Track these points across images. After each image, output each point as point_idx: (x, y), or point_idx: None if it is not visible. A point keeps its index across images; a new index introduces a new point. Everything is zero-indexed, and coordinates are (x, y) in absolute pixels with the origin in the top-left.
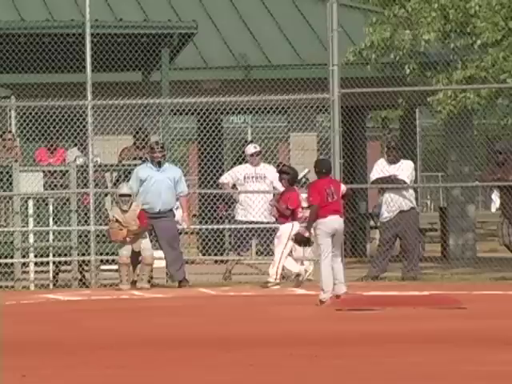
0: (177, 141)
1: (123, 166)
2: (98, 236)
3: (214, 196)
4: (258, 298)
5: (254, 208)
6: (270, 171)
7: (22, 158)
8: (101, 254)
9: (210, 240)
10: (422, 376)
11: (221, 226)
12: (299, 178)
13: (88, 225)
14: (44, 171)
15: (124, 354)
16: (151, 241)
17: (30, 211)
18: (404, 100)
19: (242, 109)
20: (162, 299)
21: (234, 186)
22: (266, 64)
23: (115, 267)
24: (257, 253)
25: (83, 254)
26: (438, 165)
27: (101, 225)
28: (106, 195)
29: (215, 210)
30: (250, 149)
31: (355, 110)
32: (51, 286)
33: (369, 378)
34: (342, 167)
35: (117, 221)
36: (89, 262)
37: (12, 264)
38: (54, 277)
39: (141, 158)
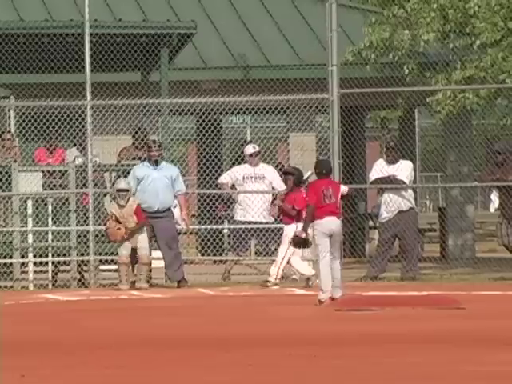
0: (176, 141)
1: (122, 166)
2: (97, 236)
3: (213, 196)
4: (256, 298)
5: (252, 208)
6: (268, 171)
7: (21, 158)
8: (100, 254)
9: (208, 240)
10: (420, 376)
11: (220, 226)
12: (304, 178)
13: (87, 225)
14: (43, 171)
15: (123, 354)
16: (150, 241)
17: (29, 211)
18: (403, 100)
19: (241, 109)
20: (160, 299)
21: (233, 186)
22: (265, 64)
23: (114, 267)
24: (256, 253)
25: (82, 254)
26: (437, 165)
27: (100, 225)
28: (105, 195)
29: (214, 210)
30: (249, 149)
31: (354, 111)
32: (50, 286)
33: (368, 378)
34: (341, 167)
35: (115, 218)
36: (88, 262)
37: (11, 264)
38: (53, 277)
39: (140, 158)
